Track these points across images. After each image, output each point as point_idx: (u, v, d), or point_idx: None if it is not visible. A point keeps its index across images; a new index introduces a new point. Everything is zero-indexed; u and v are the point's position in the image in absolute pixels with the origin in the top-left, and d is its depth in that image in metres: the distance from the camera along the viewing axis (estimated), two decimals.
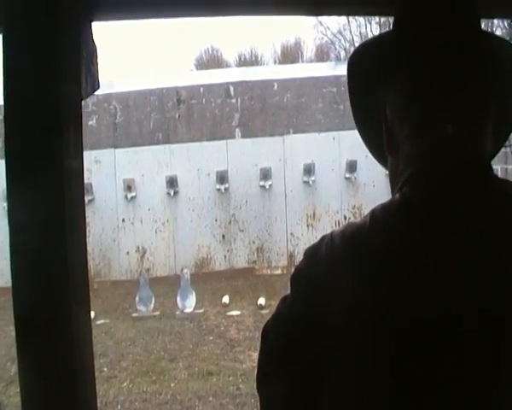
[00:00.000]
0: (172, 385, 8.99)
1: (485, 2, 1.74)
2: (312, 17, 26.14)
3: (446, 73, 1.37)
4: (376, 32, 29.94)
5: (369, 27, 31.79)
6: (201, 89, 16.17)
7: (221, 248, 15.76)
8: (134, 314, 12.47)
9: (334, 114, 15.91)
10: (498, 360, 1.23)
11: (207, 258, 15.70)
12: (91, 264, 14.37)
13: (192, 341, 10.85)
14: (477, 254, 1.26)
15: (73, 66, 1.49)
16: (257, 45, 51.01)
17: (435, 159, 1.37)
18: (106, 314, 12.28)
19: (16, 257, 1.44)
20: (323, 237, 1.41)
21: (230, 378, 9.02)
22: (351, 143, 13.91)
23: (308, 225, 15.74)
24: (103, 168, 15.24)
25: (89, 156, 14.31)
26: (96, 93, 1.61)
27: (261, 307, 12.24)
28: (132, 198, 15.54)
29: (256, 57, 37.98)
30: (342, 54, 33.30)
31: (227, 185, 15.54)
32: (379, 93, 1.46)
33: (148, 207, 15.61)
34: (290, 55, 37.33)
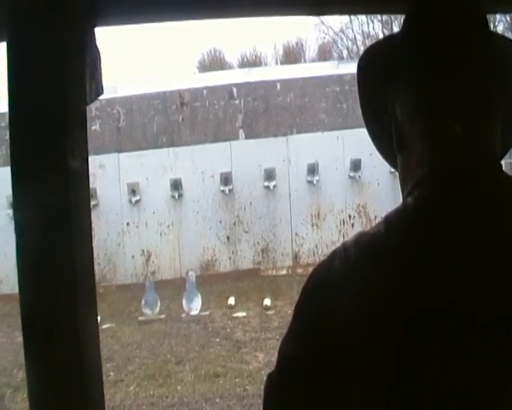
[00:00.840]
0: (179, 388, 8.99)
1: None
2: (314, 17, 26.14)
3: (454, 73, 1.37)
4: (379, 30, 29.98)
5: (371, 26, 31.87)
6: (204, 91, 16.19)
7: (226, 250, 15.77)
8: (140, 318, 12.49)
9: (338, 113, 15.92)
10: (503, 357, 1.23)
11: (212, 260, 15.71)
12: (96, 268, 14.33)
13: (198, 343, 10.86)
14: (494, 255, 1.26)
15: (77, 71, 1.49)
16: (259, 46, 51.02)
17: (446, 160, 1.36)
18: (112, 318, 12.29)
19: (23, 263, 1.44)
20: (334, 253, 1.39)
21: (237, 380, 9.02)
22: (354, 141, 13.92)
23: (313, 225, 15.74)
24: (107, 173, 15.26)
25: (93, 161, 14.29)
26: (99, 98, 1.61)
27: (267, 308, 12.25)
28: (137, 202, 15.56)
29: (258, 58, 38.02)
30: (345, 53, 33.39)
31: (231, 187, 15.56)
32: (388, 93, 1.46)
33: (152, 211, 15.63)
34: (292, 55, 37.35)
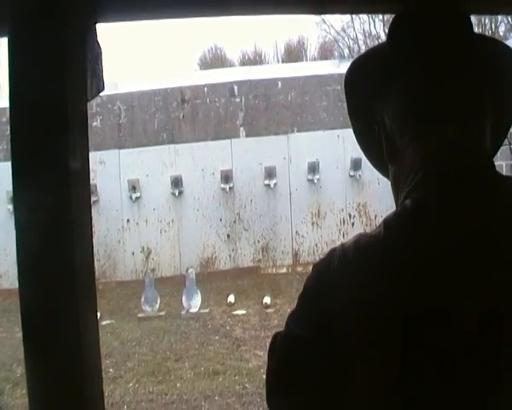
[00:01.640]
0: (178, 385, 8.99)
1: None
2: (316, 15, 26.13)
3: (442, 77, 1.39)
4: (380, 29, 29.97)
5: (372, 25, 31.84)
6: (205, 88, 16.19)
7: (226, 248, 15.77)
8: (139, 315, 12.49)
9: (339, 112, 15.89)
10: (499, 357, 1.24)
11: (212, 257, 15.72)
12: (96, 265, 14.33)
13: (198, 340, 10.86)
14: (492, 255, 1.27)
15: (79, 67, 1.49)
16: (260, 44, 50.94)
17: (441, 162, 1.37)
18: (111, 315, 12.30)
19: (22, 258, 1.44)
20: (333, 251, 1.40)
21: (236, 378, 9.02)
22: (355, 140, 13.87)
23: (313, 224, 15.74)
24: (108, 169, 15.26)
25: (93, 157, 14.26)
26: (100, 94, 1.61)
27: (267, 306, 12.26)
28: (137, 199, 15.57)
29: (260, 56, 37.98)
30: (346, 51, 33.33)
31: (232, 184, 15.56)
32: (376, 105, 1.48)
33: (152, 208, 15.63)
34: (294, 53, 37.32)
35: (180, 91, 16.12)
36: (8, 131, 1.44)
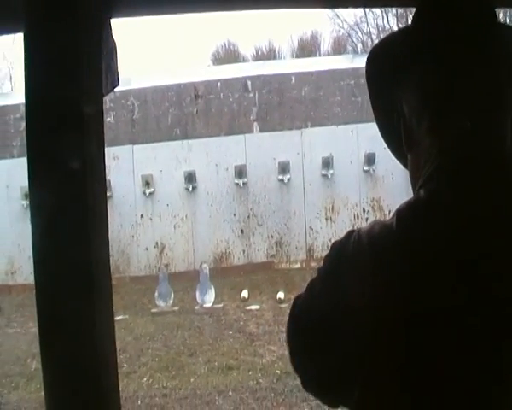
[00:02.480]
0: (192, 380, 9.00)
1: None
2: (329, 10, 26.09)
3: (463, 67, 1.37)
4: (393, 23, 29.87)
5: (385, 19, 31.74)
6: (219, 84, 16.19)
7: (240, 243, 15.77)
8: (153, 310, 12.52)
9: (352, 107, 15.88)
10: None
11: (226, 253, 15.72)
12: (110, 260, 14.42)
13: (211, 335, 10.87)
14: (506, 248, 1.26)
15: (94, 63, 1.49)
16: (274, 39, 50.85)
17: (457, 154, 1.36)
18: (125, 310, 12.31)
19: (38, 254, 1.45)
20: (350, 233, 1.40)
21: (250, 373, 9.02)
22: (369, 135, 13.87)
23: (327, 219, 15.72)
24: (121, 164, 15.27)
25: (107, 153, 14.14)
26: (114, 90, 1.61)
27: (280, 302, 12.24)
28: (151, 194, 15.59)
29: (273, 51, 37.94)
30: (359, 46, 33.27)
31: (245, 180, 15.55)
32: (396, 91, 1.46)
33: (166, 203, 15.65)
34: (307, 48, 37.25)
35: (193, 87, 16.14)
36: (22, 128, 1.45)
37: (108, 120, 15.38)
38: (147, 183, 15.49)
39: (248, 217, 15.77)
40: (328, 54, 34.12)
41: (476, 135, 1.36)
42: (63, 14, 1.42)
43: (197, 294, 12.58)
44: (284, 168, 15.51)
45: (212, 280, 12.84)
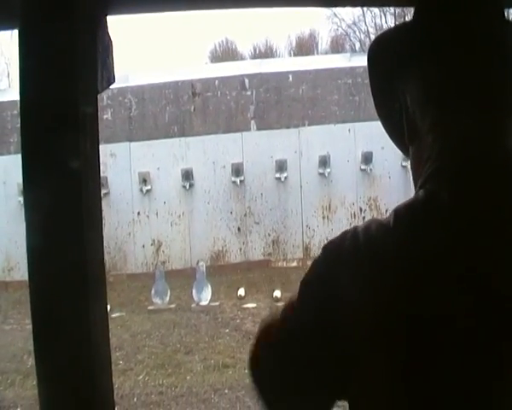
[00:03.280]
0: (188, 378, 9.00)
1: None
2: (327, 8, 26.07)
3: (466, 64, 1.34)
4: (391, 23, 29.85)
5: (383, 18, 31.75)
6: (216, 81, 16.18)
7: (236, 241, 15.78)
8: (150, 307, 12.52)
9: (350, 106, 15.87)
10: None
11: (223, 250, 15.73)
12: (107, 257, 14.44)
13: (208, 333, 10.87)
14: (506, 250, 1.25)
15: (89, 60, 1.49)
16: (272, 37, 50.84)
17: (459, 155, 1.34)
18: (121, 307, 12.31)
19: (33, 251, 1.45)
20: (345, 233, 1.38)
21: (246, 371, 8.99)
22: (366, 134, 13.91)
23: (324, 217, 15.73)
24: (119, 162, 15.27)
25: (104, 150, 14.36)
26: (110, 87, 1.61)
27: (277, 300, 12.24)
28: (148, 191, 15.59)
29: (271, 49, 37.95)
30: (357, 45, 33.30)
31: (242, 178, 15.55)
32: (399, 82, 1.44)
33: (163, 201, 15.65)
34: (305, 46, 37.27)
35: (191, 84, 16.12)
36: (18, 125, 1.44)
37: (106, 117, 15.36)
38: (144, 180, 15.48)
39: (245, 215, 15.77)
40: (326, 53, 34.12)
41: (478, 135, 1.34)
42: (58, 12, 1.42)
43: (194, 292, 12.58)
44: (281, 167, 15.52)
45: (208, 278, 12.85)
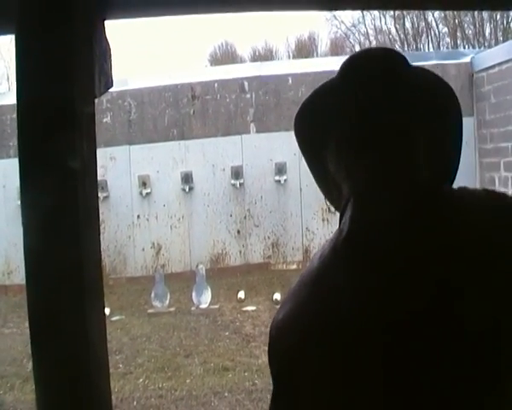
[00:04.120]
0: (188, 381, 9.00)
1: None
2: (327, 12, 26.10)
3: (373, 117, 1.46)
4: (391, 25, 29.90)
5: (383, 20, 31.80)
6: (216, 84, 16.17)
7: (236, 244, 15.76)
8: (149, 310, 12.51)
9: None
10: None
11: (223, 253, 15.71)
12: (106, 260, 14.45)
13: (207, 336, 10.87)
14: (427, 276, 1.33)
15: (86, 64, 1.49)
16: (271, 40, 50.91)
17: (366, 193, 1.44)
18: (121, 311, 12.31)
19: (30, 254, 1.45)
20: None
21: (246, 374, 9.02)
22: None
23: (323, 220, 15.72)
24: (118, 165, 15.27)
25: (104, 153, 14.39)
26: (110, 90, 1.61)
27: (277, 303, 12.24)
28: (147, 194, 15.57)
29: (270, 52, 38.02)
30: (357, 47, 33.31)
31: (242, 180, 15.54)
32: (322, 149, 1.57)
33: (163, 204, 15.64)
34: (304, 49, 37.32)
35: (190, 87, 16.11)
36: (16, 128, 1.44)
37: (105, 120, 15.36)
38: (143, 183, 15.48)
39: (245, 218, 15.76)
40: (326, 55, 34.15)
41: (389, 172, 1.44)
42: (56, 16, 1.42)
43: (193, 295, 12.58)
44: (281, 169, 15.51)
45: (208, 281, 12.85)
